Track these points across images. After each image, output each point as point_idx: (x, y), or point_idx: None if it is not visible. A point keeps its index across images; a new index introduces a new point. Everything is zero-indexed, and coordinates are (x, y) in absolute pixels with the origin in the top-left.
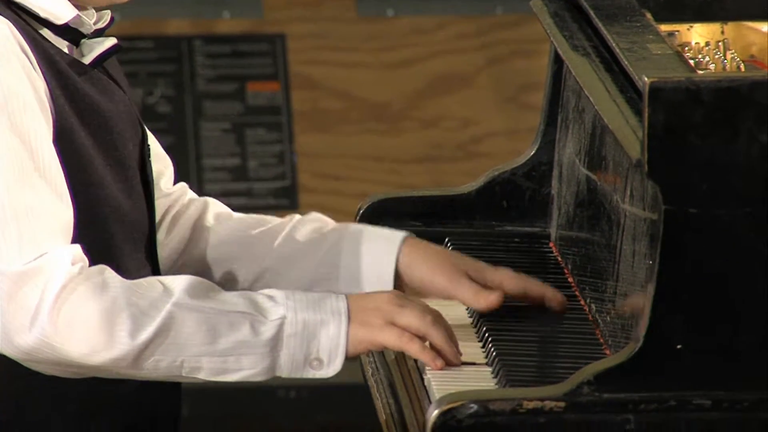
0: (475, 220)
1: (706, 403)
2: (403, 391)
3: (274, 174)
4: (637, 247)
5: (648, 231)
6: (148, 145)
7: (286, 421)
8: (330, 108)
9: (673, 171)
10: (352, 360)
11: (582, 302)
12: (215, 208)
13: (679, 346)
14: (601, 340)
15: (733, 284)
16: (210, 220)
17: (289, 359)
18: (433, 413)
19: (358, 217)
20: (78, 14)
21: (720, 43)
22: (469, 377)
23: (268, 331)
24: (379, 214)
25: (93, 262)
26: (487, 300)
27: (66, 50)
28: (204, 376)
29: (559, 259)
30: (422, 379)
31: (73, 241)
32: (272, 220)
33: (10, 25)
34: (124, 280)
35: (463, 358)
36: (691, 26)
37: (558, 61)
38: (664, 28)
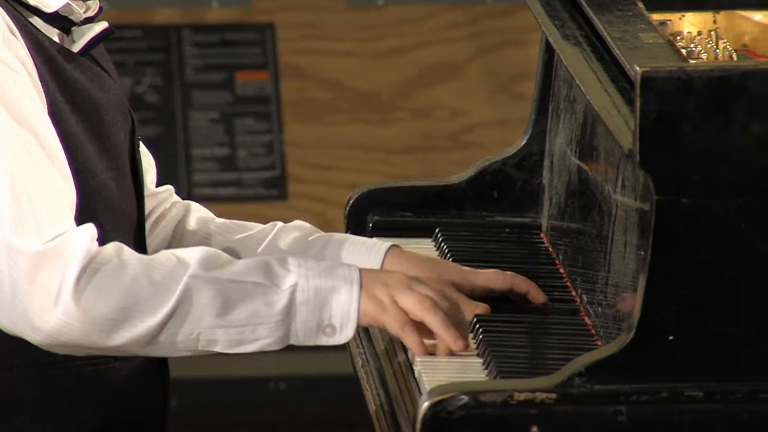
0: (465, 210)
1: (698, 395)
2: (394, 383)
3: (263, 164)
4: (628, 238)
5: (640, 221)
6: (138, 135)
7: (275, 412)
8: (319, 98)
9: (665, 161)
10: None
11: (573, 293)
12: (198, 212)
13: (671, 338)
14: (593, 332)
15: (726, 275)
16: (192, 223)
17: (303, 326)
18: (424, 405)
19: (348, 208)
20: (68, 2)
21: (712, 33)
22: (460, 368)
23: (281, 300)
24: (369, 204)
25: None
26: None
27: (56, 39)
28: (220, 348)
29: (551, 249)
30: (412, 371)
31: None
32: (254, 227)
33: (1, 10)
34: (141, 256)
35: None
36: (683, 15)
37: (549, 51)
38: (656, 17)
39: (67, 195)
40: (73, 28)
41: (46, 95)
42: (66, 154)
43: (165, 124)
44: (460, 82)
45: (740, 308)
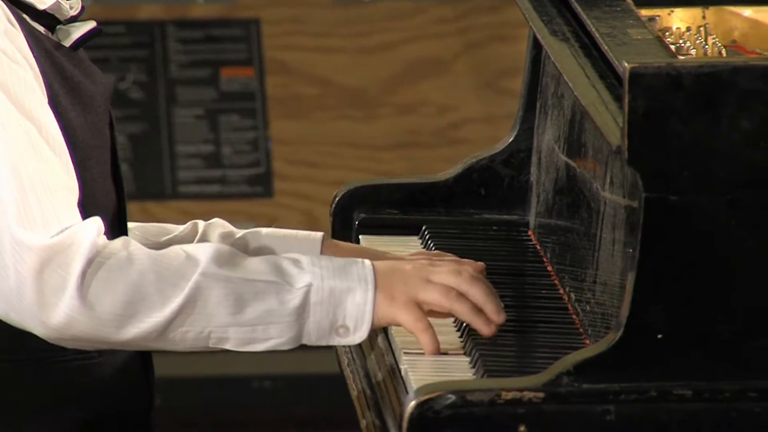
0: (452, 207)
1: (687, 394)
2: (380, 382)
3: (248, 161)
4: (617, 235)
5: (628, 219)
6: (116, 133)
7: (261, 411)
8: (305, 94)
9: (653, 158)
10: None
11: (561, 291)
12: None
13: (659, 336)
14: (581, 330)
15: (715, 273)
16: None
17: (316, 327)
18: (410, 404)
19: (333, 205)
20: (58, 0)
21: (701, 28)
22: (447, 367)
23: (294, 299)
24: (355, 202)
25: None
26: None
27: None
28: (231, 346)
29: (538, 247)
30: (399, 369)
31: None
32: (175, 228)
33: (1, 3)
34: (150, 250)
35: (441, 348)
36: (672, 11)
37: (537, 47)
38: (645, 12)
39: (72, 189)
40: (58, 27)
41: (46, 87)
42: (68, 148)
43: (149, 120)
44: (447, 78)
45: (730, 306)
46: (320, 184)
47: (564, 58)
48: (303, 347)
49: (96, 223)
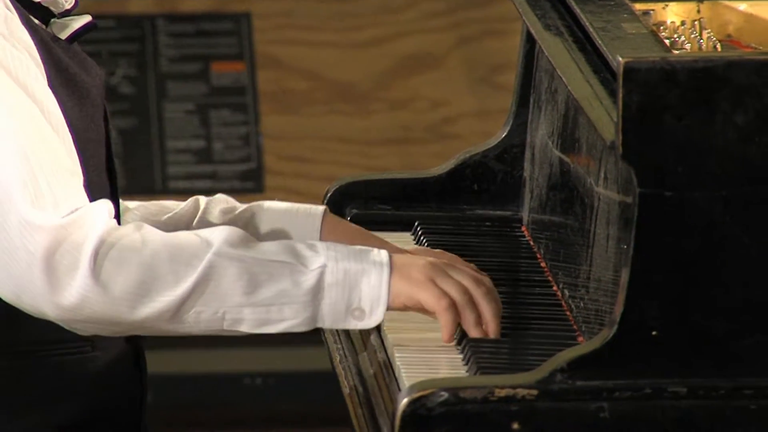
0: (445, 203)
1: (681, 391)
2: (372, 379)
3: (239, 156)
4: (611, 231)
5: (622, 214)
6: (110, 126)
7: (252, 408)
8: (296, 88)
9: (648, 153)
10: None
11: (555, 288)
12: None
13: (654, 333)
14: (575, 327)
15: (709, 269)
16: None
17: (331, 309)
18: (403, 401)
19: (325, 201)
20: None
21: (696, 23)
22: (440, 364)
23: (308, 280)
24: (347, 197)
25: None
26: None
27: None
28: (246, 328)
29: (532, 243)
30: (391, 366)
31: None
32: (176, 205)
33: None
34: (162, 232)
35: (434, 345)
36: (667, 5)
37: (530, 41)
38: (639, 6)
39: (77, 173)
40: (52, 20)
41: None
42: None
43: (139, 115)
44: (439, 72)
45: (724, 303)
46: (312, 180)
47: (558, 53)
48: (293, 343)
49: (106, 205)
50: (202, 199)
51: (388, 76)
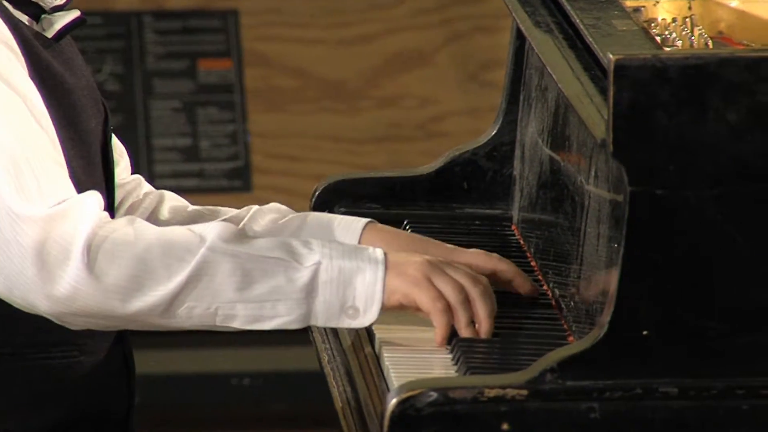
0: (434, 201)
1: (672, 391)
2: (361, 379)
3: (226, 154)
4: (601, 230)
5: (613, 213)
6: (111, 126)
7: (240, 409)
8: (284, 86)
9: (638, 151)
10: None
11: (545, 287)
12: (171, 201)
13: (645, 332)
14: (565, 326)
15: (701, 268)
16: (165, 213)
17: (325, 306)
18: (392, 402)
19: (313, 199)
20: None
21: (687, 19)
22: (429, 364)
23: (302, 277)
24: (336, 196)
25: None
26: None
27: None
28: (239, 324)
29: (522, 242)
30: (380, 366)
31: None
32: (228, 212)
33: None
34: (155, 226)
35: (423, 344)
36: (658, 1)
37: (520, 38)
38: (630, 3)
39: (62, 164)
40: (42, 16)
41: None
42: None
43: (125, 113)
44: (429, 70)
45: (716, 302)
46: (300, 178)
47: (548, 50)
48: (281, 343)
49: (95, 196)
50: (253, 209)
51: (377, 74)
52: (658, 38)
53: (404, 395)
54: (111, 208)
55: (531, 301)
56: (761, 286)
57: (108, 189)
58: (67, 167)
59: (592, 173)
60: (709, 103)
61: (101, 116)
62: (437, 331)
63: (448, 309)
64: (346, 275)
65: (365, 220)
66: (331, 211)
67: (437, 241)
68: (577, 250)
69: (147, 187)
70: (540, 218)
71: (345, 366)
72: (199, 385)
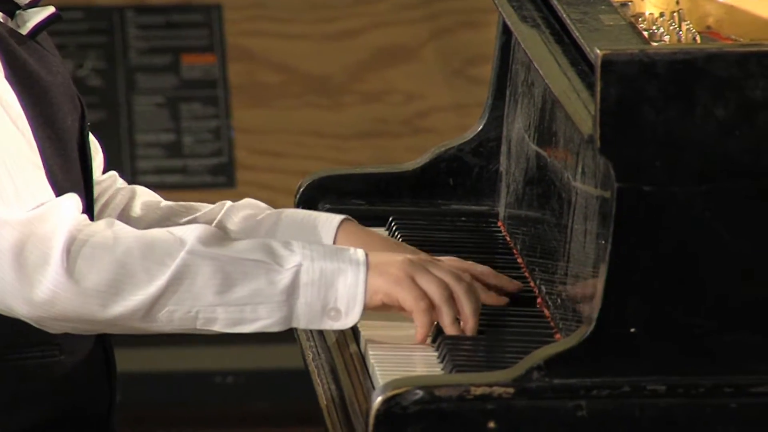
0: (420, 198)
1: (660, 389)
2: (346, 377)
3: (210, 150)
4: (588, 227)
5: (600, 209)
6: (88, 122)
7: (223, 407)
8: (269, 81)
9: (626, 147)
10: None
11: (532, 284)
12: (143, 197)
13: (632, 330)
14: (552, 324)
15: (689, 265)
16: (137, 209)
17: (306, 309)
18: (377, 400)
19: (298, 195)
20: None
21: (675, 14)
22: (415, 362)
23: (283, 279)
24: (321, 192)
25: None
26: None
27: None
28: (220, 327)
29: (508, 239)
30: (365, 364)
31: None
32: (202, 207)
33: None
34: (134, 230)
35: (408, 342)
36: None
37: (506, 33)
38: None
39: (39, 165)
40: (17, 12)
41: None
42: None
43: (108, 109)
44: (414, 65)
45: (704, 300)
46: (284, 174)
47: (534, 45)
48: (265, 341)
49: (74, 199)
50: (227, 205)
51: (361, 69)
52: (645, 33)
53: (390, 393)
54: (90, 206)
55: (517, 298)
56: (749, 283)
57: (86, 187)
58: (45, 166)
59: (579, 169)
60: (697, 99)
61: (77, 113)
62: (418, 330)
63: (431, 308)
64: (328, 277)
65: (340, 217)
66: (315, 208)
67: (411, 247)
68: (564, 247)
69: (120, 182)
70: (526, 215)
71: (330, 364)
72: (181, 384)
